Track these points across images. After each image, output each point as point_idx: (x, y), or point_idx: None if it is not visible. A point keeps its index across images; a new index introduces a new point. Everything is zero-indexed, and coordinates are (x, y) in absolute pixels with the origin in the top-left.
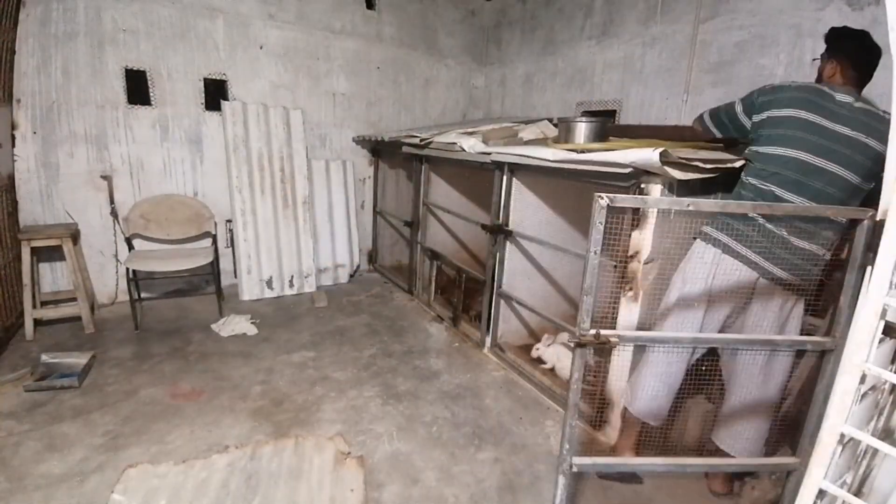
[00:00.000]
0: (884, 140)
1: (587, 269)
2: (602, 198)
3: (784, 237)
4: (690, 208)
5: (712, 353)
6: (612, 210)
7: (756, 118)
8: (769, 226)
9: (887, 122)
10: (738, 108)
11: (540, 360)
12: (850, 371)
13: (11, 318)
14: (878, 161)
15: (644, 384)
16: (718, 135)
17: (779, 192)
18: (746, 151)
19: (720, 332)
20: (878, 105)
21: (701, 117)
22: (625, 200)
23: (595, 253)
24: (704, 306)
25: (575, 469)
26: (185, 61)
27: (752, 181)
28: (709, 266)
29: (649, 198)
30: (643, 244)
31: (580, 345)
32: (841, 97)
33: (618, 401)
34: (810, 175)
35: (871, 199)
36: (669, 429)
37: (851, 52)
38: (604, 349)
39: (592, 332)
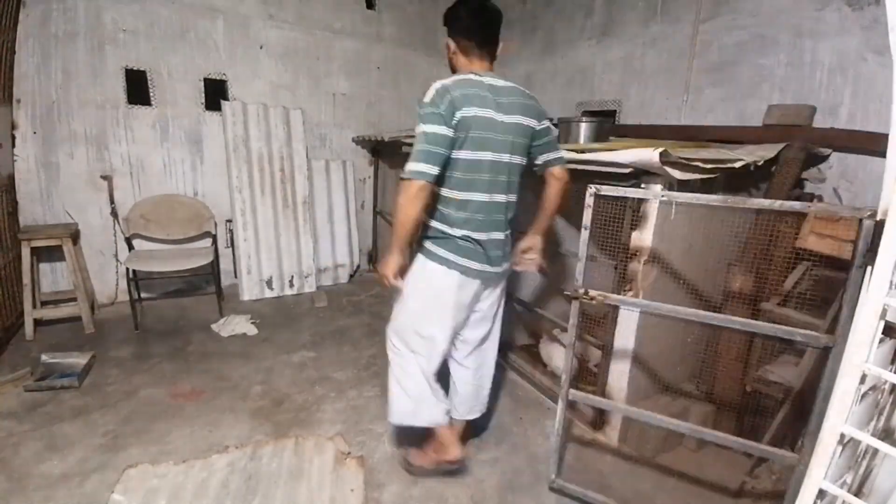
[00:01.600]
0: (533, 115)
1: (581, 241)
2: (591, 187)
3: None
4: (663, 199)
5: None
6: (600, 198)
7: (454, 121)
8: (477, 235)
9: (531, 97)
10: (432, 129)
11: (538, 355)
12: (850, 372)
13: (11, 318)
14: (529, 135)
15: (395, 392)
16: (435, 171)
17: (475, 195)
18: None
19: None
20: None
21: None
22: (609, 190)
23: (586, 229)
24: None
25: (571, 398)
26: (185, 61)
27: (449, 193)
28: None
29: (631, 189)
30: (643, 244)
31: (574, 298)
32: (489, 80)
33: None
34: (494, 171)
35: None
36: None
37: (467, 24)
38: (591, 306)
39: (583, 290)
